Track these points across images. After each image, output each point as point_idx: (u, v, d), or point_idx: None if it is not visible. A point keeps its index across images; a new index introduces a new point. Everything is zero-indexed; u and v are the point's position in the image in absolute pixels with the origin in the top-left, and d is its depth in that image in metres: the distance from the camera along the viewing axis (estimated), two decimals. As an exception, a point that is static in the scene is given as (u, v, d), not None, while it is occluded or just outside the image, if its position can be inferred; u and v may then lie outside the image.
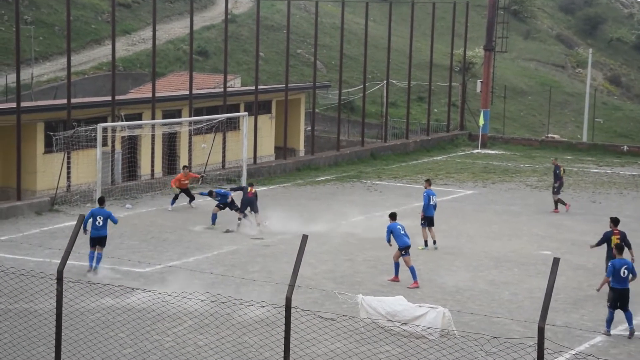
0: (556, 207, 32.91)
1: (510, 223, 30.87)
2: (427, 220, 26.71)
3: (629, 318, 19.11)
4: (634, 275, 19.20)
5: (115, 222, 24.00)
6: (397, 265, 22.99)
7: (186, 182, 32.30)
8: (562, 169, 33.30)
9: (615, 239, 21.79)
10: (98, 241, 23.30)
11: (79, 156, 33.82)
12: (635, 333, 19.12)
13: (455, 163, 44.67)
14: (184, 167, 33.85)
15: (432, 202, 26.81)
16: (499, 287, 22.81)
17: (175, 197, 32.16)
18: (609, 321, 19.14)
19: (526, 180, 39.76)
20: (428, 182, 27.79)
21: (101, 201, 24.45)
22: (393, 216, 23.46)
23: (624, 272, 18.87)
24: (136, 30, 58.28)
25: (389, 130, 49.35)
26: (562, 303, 21.35)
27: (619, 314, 19.27)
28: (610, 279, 19.12)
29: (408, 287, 22.38)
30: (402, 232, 22.81)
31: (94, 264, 23.16)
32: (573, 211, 33.05)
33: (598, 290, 20.63)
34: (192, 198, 32.31)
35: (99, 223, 23.31)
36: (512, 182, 39.42)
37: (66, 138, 32.90)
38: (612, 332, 19.19)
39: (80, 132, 33.16)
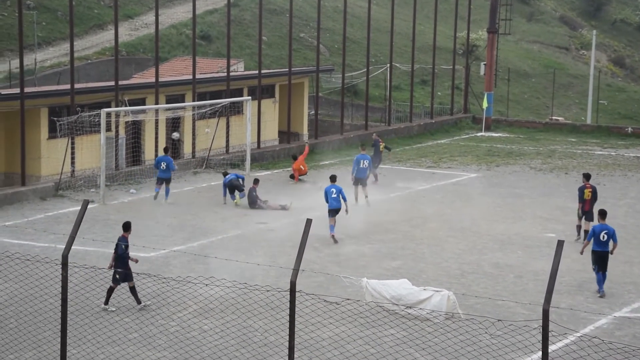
0: (376, 179, 34.00)
1: (514, 205, 30.84)
2: (360, 182, 29.71)
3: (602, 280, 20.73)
4: (615, 242, 20.75)
5: (173, 168, 30.23)
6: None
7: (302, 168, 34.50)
8: (381, 144, 35.02)
9: (587, 192, 25.43)
10: (163, 180, 29.97)
11: (82, 141, 33.80)
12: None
13: (459, 146, 44.59)
14: (293, 156, 35.68)
15: (362, 166, 29.94)
16: (504, 270, 22.81)
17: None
18: (599, 282, 20.68)
19: (530, 163, 39.68)
20: (362, 147, 31.43)
21: (166, 150, 31.50)
22: (332, 178, 26.00)
23: (603, 237, 20.63)
24: (139, 15, 58.13)
25: (393, 114, 49.24)
26: (566, 285, 21.34)
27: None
28: (591, 242, 20.84)
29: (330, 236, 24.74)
30: (334, 196, 25.21)
31: (164, 197, 29.90)
32: (577, 193, 32.94)
33: (581, 253, 21.47)
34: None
35: (163, 167, 29.94)
36: (516, 164, 39.35)
37: (70, 123, 32.87)
38: (617, 314, 19.25)
39: (83, 118, 33.12)
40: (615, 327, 18.62)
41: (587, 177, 26.08)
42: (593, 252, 20.71)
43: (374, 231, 26.41)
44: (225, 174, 31.04)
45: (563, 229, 27.27)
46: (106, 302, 18.92)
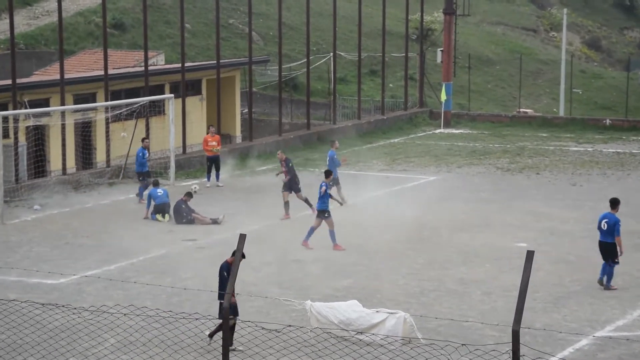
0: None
1: (480, 212, 31.09)
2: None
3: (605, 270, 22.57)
4: (617, 235, 22.40)
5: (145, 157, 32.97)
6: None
7: (214, 143, 35.47)
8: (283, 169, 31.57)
9: None
10: (139, 175, 32.97)
11: (-24, 151, 33.31)
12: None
13: (415, 145, 44.88)
14: (210, 126, 37.60)
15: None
16: (469, 286, 22.97)
17: (209, 169, 35.59)
18: (607, 274, 22.59)
19: (496, 163, 40.08)
20: (332, 142, 33.48)
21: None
22: (325, 174, 27.26)
23: (603, 225, 22.59)
24: (38, 1, 57.58)
25: (338, 110, 49.40)
26: (541, 302, 21.56)
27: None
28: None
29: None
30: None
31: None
32: (552, 196, 33.39)
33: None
34: (218, 173, 35.49)
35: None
36: (481, 165, 39.71)
37: (-40, 130, 32.39)
38: (599, 334, 19.48)
39: (-24, 123, 32.68)
40: (597, 349, 18.84)
41: None
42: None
43: (320, 246, 26.41)
44: (156, 184, 30.64)
45: (535, 237, 27.57)
46: (211, 336, 18.43)
